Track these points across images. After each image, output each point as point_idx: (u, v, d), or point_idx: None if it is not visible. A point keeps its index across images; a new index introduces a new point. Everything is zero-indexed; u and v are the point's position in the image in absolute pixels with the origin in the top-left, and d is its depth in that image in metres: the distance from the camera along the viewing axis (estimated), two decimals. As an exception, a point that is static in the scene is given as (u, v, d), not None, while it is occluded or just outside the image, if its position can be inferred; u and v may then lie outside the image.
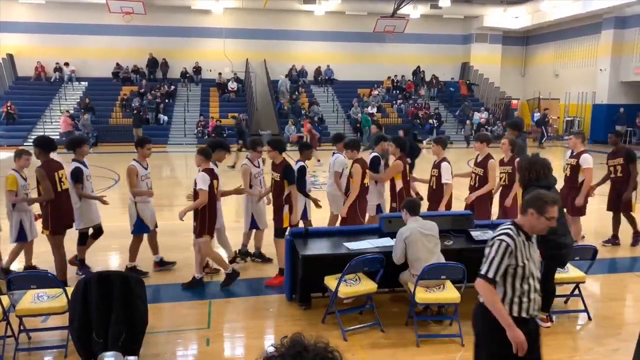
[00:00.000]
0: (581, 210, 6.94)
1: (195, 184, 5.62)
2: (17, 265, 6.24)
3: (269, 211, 6.39)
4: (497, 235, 3.01)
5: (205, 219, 5.65)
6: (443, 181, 6.51)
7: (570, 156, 7.14)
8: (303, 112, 24.69)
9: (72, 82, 25.22)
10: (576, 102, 26.14)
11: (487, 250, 3.03)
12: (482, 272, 2.99)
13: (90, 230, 6.24)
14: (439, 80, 28.74)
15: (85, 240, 6.20)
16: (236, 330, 4.96)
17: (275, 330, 5.00)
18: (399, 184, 6.76)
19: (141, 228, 6.18)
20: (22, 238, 5.91)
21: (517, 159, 6.35)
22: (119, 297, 4.00)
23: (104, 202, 6.23)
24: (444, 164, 6.55)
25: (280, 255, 5.90)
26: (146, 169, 6.28)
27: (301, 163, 6.35)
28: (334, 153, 7.12)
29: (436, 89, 28.29)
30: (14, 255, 6.09)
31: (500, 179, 6.75)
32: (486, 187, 6.52)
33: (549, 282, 4.67)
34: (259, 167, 6.81)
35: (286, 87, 26.26)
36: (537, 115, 25.60)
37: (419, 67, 28.90)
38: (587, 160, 6.85)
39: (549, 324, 4.88)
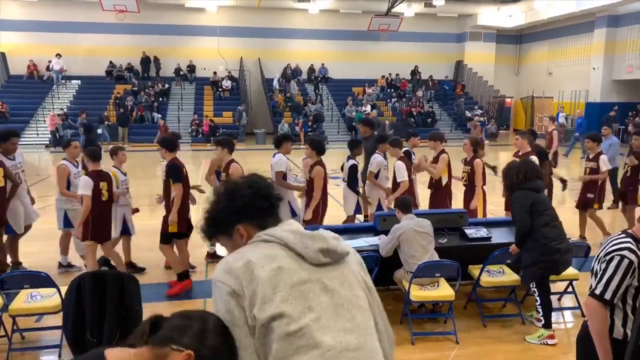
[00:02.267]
0: None
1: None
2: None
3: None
4: (616, 250, 2.48)
5: (88, 224, 5.39)
6: (398, 180, 6.64)
7: (589, 159, 7.32)
8: (304, 111, 24.66)
9: (61, 80, 24.97)
10: (569, 101, 26.28)
11: (600, 266, 2.54)
12: (597, 292, 2.48)
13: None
14: (436, 82, 28.68)
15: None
16: (231, 329, 4.95)
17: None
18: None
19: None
20: (126, 231, 6.19)
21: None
22: (113, 297, 3.98)
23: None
24: (398, 163, 6.64)
25: (172, 262, 5.75)
26: (77, 166, 6.26)
27: (353, 161, 6.76)
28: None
29: (432, 91, 28.28)
30: (120, 247, 6.27)
31: (462, 177, 6.97)
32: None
33: (546, 294, 4.58)
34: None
35: (293, 88, 26.26)
36: (561, 116, 23.60)
37: (416, 67, 28.93)
38: (604, 161, 7.08)
39: (553, 337, 4.68)
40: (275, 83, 26.50)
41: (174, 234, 5.66)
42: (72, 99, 24.41)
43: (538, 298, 4.58)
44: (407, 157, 7.03)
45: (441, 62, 29.70)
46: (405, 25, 26.48)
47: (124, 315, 4.01)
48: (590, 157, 7.36)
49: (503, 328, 4.91)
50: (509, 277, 5.11)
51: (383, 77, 28.62)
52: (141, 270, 6.29)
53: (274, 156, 6.57)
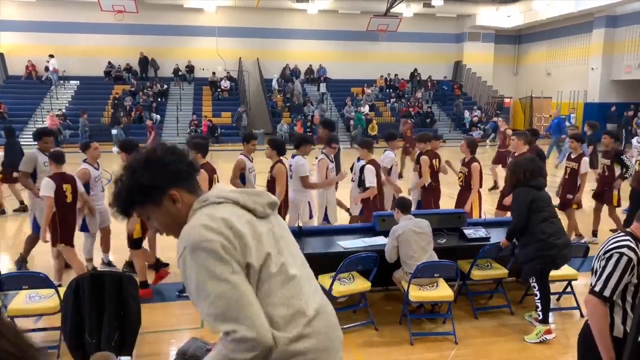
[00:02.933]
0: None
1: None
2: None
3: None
4: (615, 248, 2.57)
5: (56, 227, 5.36)
6: (367, 185, 6.47)
7: (511, 156, 7.14)
8: (310, 109, 24.64)
9: (54, 84, 24.89)
10: (568, 101, 26.30)
11: (599, 264, 2.61)
12: (597, 289, 2.54)
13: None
14: (435, 83, 28.59)
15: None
16: (230, 330, 4.95)
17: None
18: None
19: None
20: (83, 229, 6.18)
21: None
22: (111, 297, 3.98)
23: None
24: (367, 167, 6.49)
25: (139, 269, 5.59)
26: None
27: (364, 161, 6.73)
28: (385, 151, 7.37)
29: (432, 92, 28.22)
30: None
31: (459, 179, 6.98)
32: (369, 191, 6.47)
33: (545, 288, 4.62)
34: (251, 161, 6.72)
35: (297, 89, 26.23)
36: (572, 117, 23.10)
37: (415, 69, 28.92)
38: (585, 163, 6.98)
39: (551, 332, 4.73)
40: (274, 83, 26.50)
41: (140, 240, 5.61)
42: (70, 99, 24.38)
43: (538, 292, 4.59)
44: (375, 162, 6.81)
45: (440, 62, 29.72)
46: (404, 25, 26.49)
47: (122, 316, 4.02)
48: (573, 157, 7.33)
49: (502, 327, 4.92)
50: (497, 270, 5.28)
51: (382, 77, 28.63)
52: (165, 265, 6.35)
53: (292, 157, 6.50)
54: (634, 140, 9.79)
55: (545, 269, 4.61)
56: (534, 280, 4.61)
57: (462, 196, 6.85)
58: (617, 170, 7.63)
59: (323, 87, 27.05)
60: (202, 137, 7.85)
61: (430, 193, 7.09)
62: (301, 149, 6.37)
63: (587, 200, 7.40)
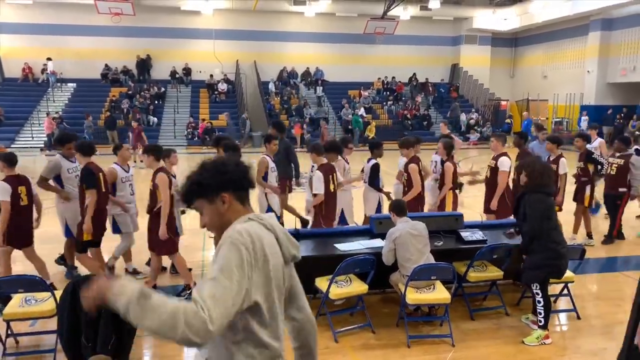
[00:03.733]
0: (496, 212, 6.75)
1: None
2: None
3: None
4: None
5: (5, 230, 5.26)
6: (313, 192, 6.08)
7: (492, 158, 7.00)
8: (307, 112, 24.63)
9: (52, 85, 24.88)
10: (564, 103, 26.40)
11: None
12: None
13: None
14: (435, 87, 28.60)
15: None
16: (227, 333, 4.94)
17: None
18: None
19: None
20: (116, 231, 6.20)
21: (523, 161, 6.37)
22: (108, 300, 3.96)
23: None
24: (315, 173, 6.10)
25: (92, 271, 5.47)
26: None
27: (374, 161, 6.82)
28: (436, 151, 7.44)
29: (432, 97, 28.20)
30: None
31: (436, 180, 6.98)
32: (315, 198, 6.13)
33: (547, 295, 4.64)
34: None
35: (303, 91, 26.21)
36: (584, 120, 22.87)
37: (414, 74, 28.97)
38: (503, 163, 6.68)
39: (548, 337, 4.69)
40: (271, 86, 26.50)
41: (90, 242, 5.53)
42: (67, 102, 24.34)
43: (541, 299, 4.57)
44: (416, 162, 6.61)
45: (437, 65, 29.81)
46: (401, 28, 26.56)
47: (119, 319, 3.99)
48: (551, 159, 7.31)
49: (498, 329, 4.92)
50: (492, 272, 5.30)
51: (379, 80, 28.68)
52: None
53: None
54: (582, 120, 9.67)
55: (548, 277, 4.65)
56: (537, 287, 4.59)
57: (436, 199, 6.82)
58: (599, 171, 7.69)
59: (319, 90, 27.08)
60: (227, 137, 7.95)
61: (416, 202, 6.58)
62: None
63: (567, 204, 7.46)
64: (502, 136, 7.10)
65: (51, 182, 6.07)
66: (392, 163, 8.41)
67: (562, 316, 5.34)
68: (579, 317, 5.17)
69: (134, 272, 6.38)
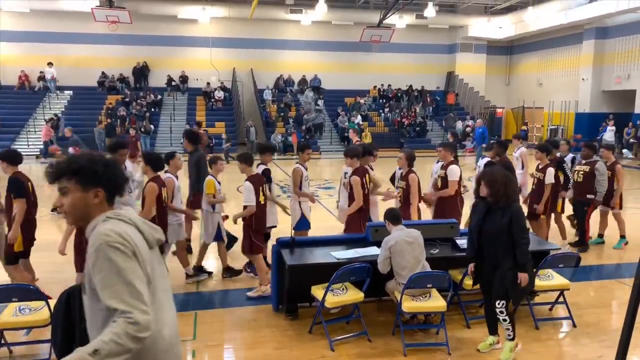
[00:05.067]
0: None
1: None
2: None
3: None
4: None
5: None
6: (243, 203, 5.80)
7: (440, 167, 6.92)
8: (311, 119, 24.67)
9: (53, 91, 24.90)
10: (559, 111, 26.55)
11: None
12: None
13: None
14: (432, 98, 28.62)
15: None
16: (222, 342, 4.92)
17: (262, 341, 4.96)
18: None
19: None
20: (218, 238, 6.37)
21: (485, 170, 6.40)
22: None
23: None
24: (245, 184, 5.78)
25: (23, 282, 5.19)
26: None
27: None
28: (437, 160, 7.33)
29: (431, 107, 28.17)
30: (203, 253, 6.46)
31: (398, 193, 6.63)
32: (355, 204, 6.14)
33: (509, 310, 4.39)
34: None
35: (307, 97, 26.22)
36: (610, 129, 22.42)
37: (411, 86, 29.07)
38: (453, 172, 6.62)
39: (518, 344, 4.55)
40: (266, 94, 26.52)
41: (20, 253, 5.42)
42: (63, 109, 24.31)
43: (507, 317, 4.30)
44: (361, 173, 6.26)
45: (433, 72, 29.96)
46: (397, 36, 26.69)
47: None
48: (540, 167, 7.37)
49: (495, 338, 4.91)
50: None
51: (375, 87, 28.79)
52: (238, 273, 6.46)
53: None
54: (608, 129, 9.58)
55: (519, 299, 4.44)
56: (503, 305, 4.26)
57: (403, 212, 6.16)
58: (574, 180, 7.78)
59: (311, 96, 27.11)
60: (263, 143, 8.03)
61: (357, 217, 6.21)
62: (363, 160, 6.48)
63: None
64: (451, 145, 7.04)
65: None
66: (387, 169, 8.41)
67: (559, 324, 5.34)
68: (575, 325, 5.17)
69: (195, 275, 6.38)
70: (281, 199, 8.46)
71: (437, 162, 7.20)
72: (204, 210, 6.43)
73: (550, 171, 7.22)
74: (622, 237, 8.04)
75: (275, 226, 6.69)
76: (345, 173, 6.74)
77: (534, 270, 4.39)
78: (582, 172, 7.67)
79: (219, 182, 6.38)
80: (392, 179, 7.26)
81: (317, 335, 4.83)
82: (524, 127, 25.70)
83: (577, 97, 25.33)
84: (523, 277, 4.19)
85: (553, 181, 7.24)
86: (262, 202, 5.87)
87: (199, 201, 6.69)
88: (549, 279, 5.31)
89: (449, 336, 4.69)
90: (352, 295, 4.87)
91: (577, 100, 25.33)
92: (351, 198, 6.21)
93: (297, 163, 6.72)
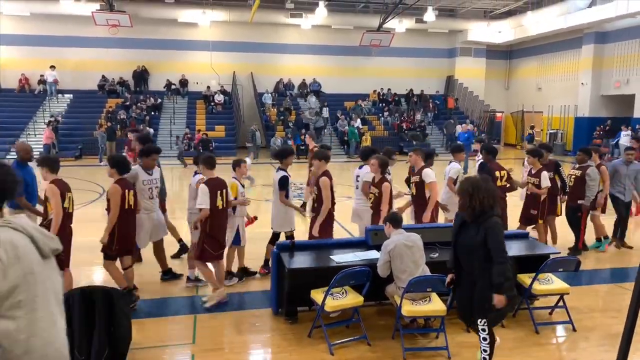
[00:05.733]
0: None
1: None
2: None
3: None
4: None
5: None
6: (197, 206, 5.62)
7: (413, 173, 6.88)
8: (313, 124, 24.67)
9: (54, 95, 24.93)
10: (559, 115, 26.58)
11: None
12: None
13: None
14: (434, 105, 28.60)
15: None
16: (222, 346, 4.91)
17: (261, 345, 4.96)
18: None
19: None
20: (236, 242, 6.31)
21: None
22: (101, 313, 3.94)
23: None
24: (200, 187, 5.58)
25: None
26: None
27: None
28: (450, 162, 7.58)
29: (432, 113, 28.10)
30: (231, 258, 6.43)
31: (370, 199, 6.38)
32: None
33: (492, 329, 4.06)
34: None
35: (312, 102, 26.20)
36: (625, 134, 21.34)
37: (411, 90, 29.10)
38: (428, 174, 6.59)
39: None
40: (265, 98, 26.50)
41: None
42: (64, 112, 24.32)
43: (487, 336, 3.97)
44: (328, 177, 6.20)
45: (432, 77, 30.01)
46: (397, 40, 26.77)
47: (113, 332, 3.98)
48: (533, 172, 7.36)
49: (495, 343, 4.90)
50: None
51: (375, 92, 28.83)
52: (253, 274, 6.52)
53: (360, 167, 6.87)
54: (622, 135, 9.66)
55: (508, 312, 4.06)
56: (485, 323, 3.94)
57: (373, 220, 6.20)
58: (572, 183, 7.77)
59: (315, 102, 27.13)
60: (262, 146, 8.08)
61: (325, 221, 6.07)
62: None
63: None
64: (422, 151, 6.96)
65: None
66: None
67: (558, 328, 5.33)
68: (574, 329, 5.17)
69: (196, 280, 6.32)
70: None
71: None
72: None
73: (545, 175, 7.22)
74: (598, 240, 8.09)
75: (294, 230, 6.60)
76: (358, 176, 6.78)
77: (514, 292, 3.91)
78: (573, 177, 7.69)
79: (242, 185, 6.40)
80: (407, 180, 7.23)
81: (317, 339, 4.82)
82: (530, 131, 25.71)
83: (577, 102, 25.36)
84: (498, 299, 3.74)
85: (549, 184, 7.23)
86: (220, 208, 5.57)
87: (163, 207, 6.87)
88: (549, 283, 5.30)
89: (449, 340, 4.68)
90: (352, 299, 4.86)
91: (577, 105, 25.36)
92: (319, 202, 6.15)
93: (279, 169, 6.49)
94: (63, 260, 5.11)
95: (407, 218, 7.11)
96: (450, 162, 7.63)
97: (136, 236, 5.86)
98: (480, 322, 3.95)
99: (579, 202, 7.57)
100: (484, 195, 3.76)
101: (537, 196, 7.30)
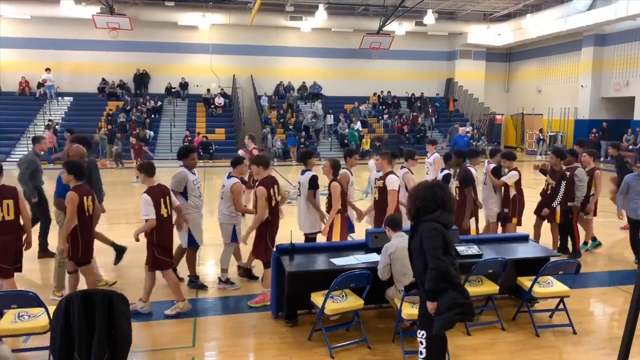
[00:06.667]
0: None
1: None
2: None
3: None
4: None
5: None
6: (141, 217, 5.41)
7: (378, 178, 6.74)
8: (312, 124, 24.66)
9: (54, 98, 24.94)
10: (559, 118, 26.60)
11: None
12: None
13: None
14: (435, 109, 28.59)
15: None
16: (222, 349, 4.90)
17: (261, 348, 4.95)
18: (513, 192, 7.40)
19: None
20: (193, 244, 6.29)
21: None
22: (101, 316, 3.93)
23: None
24: (142, 196, 5.37)
25: None
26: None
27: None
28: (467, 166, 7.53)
29: (434, 118, 28.07)
30: (193, 261, 6.42)
31: (327, 202, 6.47)
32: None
33: (432, 346, 3.76)
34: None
35: (317, 108, 26.22)
36: None
37: (413, 94, 29.13)
38: (392, 182, 6.44)
39: None
40: (263, 102, 26.50)
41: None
42: (64, 115, 24.35)
43: (425, 352, 3.69)
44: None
45: (432, 79, 30.05)
46: (397, 43, 26.78)
47: (113, 335, 3.96)
48: (381, 174, 7.24)
49: (494, 344, 4.90)
50: (488, 286, 5.30)
51: (375, 94, 28.85)
52: (256, 278, 6.50)
53: (378, 171, 6.96)
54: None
55: (460, 320, 3.74)
56: (424, 336, 3.68)
57: (376, 220, 6.34)
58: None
59: (306, 107, 27.15)
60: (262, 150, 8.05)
61: (266, 228, 5.81)
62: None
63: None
64: (388, 154, 6.72)
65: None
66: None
67: (559, 331, 5.33)
68: (575, 332, 5.16)
69: (227, 282, 6.36)
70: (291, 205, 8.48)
71: (378, 170, 7.01)
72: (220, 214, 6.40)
73: (513, 174, 7.33)
74: (585, 243, 8.11)
75: (319, 232, 6.49)
76: (375, 179, 6.80)
77: (462, 299, 3.55)
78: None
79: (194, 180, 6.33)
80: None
81: (317, 342, 4.81)
82: (539, 134, 25.69)
83: (577, 104, 25.38)
84: (430, 307, 3.52)
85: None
86: (165, 216, 5.40)
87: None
88: (549, 286, 5.30)
89: (449, 343, 4.66)
90: (352, 302, 4.86)
91: (577, 107, 25.38)
92: (330, 204, 6.30)
93: (344, 168, 6.66)
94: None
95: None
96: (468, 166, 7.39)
97: (194, 234, 6.10)
98: (419, 333, 3.72)
99: (569, 204, 7.57)
100: (422, 199, 3.61)
101: (507, 195, 7.40)
